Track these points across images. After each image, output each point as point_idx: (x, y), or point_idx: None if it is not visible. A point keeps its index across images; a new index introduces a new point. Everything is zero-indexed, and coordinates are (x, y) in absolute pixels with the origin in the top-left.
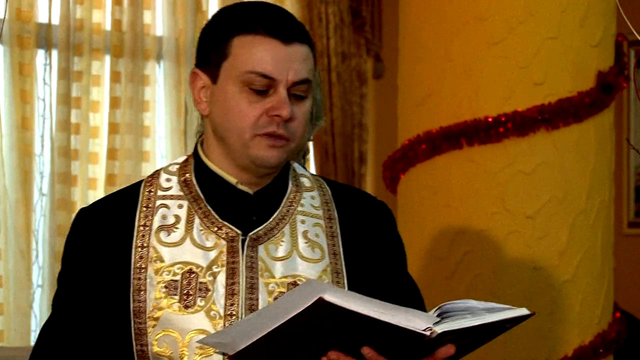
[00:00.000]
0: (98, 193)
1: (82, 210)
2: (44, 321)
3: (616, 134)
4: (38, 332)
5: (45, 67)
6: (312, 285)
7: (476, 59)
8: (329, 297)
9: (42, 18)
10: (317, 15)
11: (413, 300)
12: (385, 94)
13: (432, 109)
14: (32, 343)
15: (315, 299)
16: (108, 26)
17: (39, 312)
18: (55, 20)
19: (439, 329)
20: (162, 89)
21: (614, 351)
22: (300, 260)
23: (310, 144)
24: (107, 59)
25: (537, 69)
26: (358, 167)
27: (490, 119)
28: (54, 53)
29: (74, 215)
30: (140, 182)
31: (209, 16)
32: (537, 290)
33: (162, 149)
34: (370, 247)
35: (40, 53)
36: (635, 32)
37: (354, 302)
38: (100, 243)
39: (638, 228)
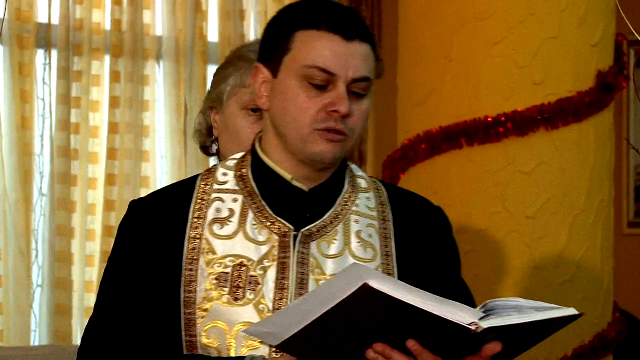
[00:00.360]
0: (98, 193)
1: (135, 202)
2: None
3: (616, 134)
4: (84, 327)
5: (45, 67)
6: (358, 270)
7: (476, 58)
8: (374, 284)
9: (42, 18)
10: None
11: (465, 302)
12: (385, 93)
13: (432, 108)
14: (32, 343)
15: (360, 285)
16: (108, 26)
17: (39, 312)
18: (55, 20)
19: (485, 324)
20: (161, 89)
21: (614, 351)
22: (352, 259)
23: None
24: (107, 58)
25: (537, 69)
26: (358, 166)
27: (490, 119)
28: (54, 53)
29: (74, 215)
30: (197, 176)
31: (209, 16)
32: (537, 290)
33: (162, 148)
34: (424, 250)
35: (40, 53)
36: (635, 32)
37: (400, 290)
38: (154, 234)
39: (638, 228)
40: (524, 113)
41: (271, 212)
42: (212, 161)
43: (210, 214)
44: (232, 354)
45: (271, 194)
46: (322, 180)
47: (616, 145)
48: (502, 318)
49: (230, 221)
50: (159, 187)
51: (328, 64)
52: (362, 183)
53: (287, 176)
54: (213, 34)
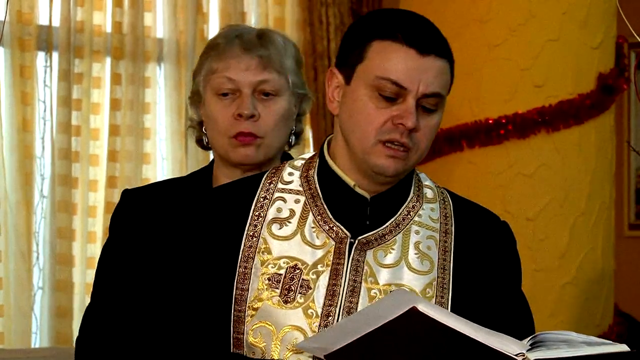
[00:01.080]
0: (99, 195)
1: (202, 196)
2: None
3: (617, 136)
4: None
5: (45, 69)
6: (405, 295)
7: (477, 61)
8: (422, 308)
9: (43, 20)
10: (317, 17)
11: (522, 319)
12: None
13: None
14: (32, 345)
15: (409, 307)
16: (109, 28)
17: (40, 314)
18: (56, 23)
19: (533, 356)
20: (162, 91)
21: None
22: (407, 270)
23: (309, 132)
24: (108, 61)
25: (538, 71)
26: None
27: (491, 121)
28: (55, 55)
29: (75, 218)
30: (263, 173)
31: (210, 18)
32: (538, 292)
33: (163, 151)
34: (483, 265)
35: (41, 55)
36: (635, 34)
37: (448, 317)
38: (216, 228)
39: (638, 230)
40: (525, 115)
41: (331, 216)
42: (210, 155)
43: (271, 213)
44: (275, 356)
45: (333, 198)
46: (385, 188)
47: (617, 147)
48: (551, 350)
49: (289, 222)
50: None
51: (400, 77)
52: (429, 193)
53: (350, 182)
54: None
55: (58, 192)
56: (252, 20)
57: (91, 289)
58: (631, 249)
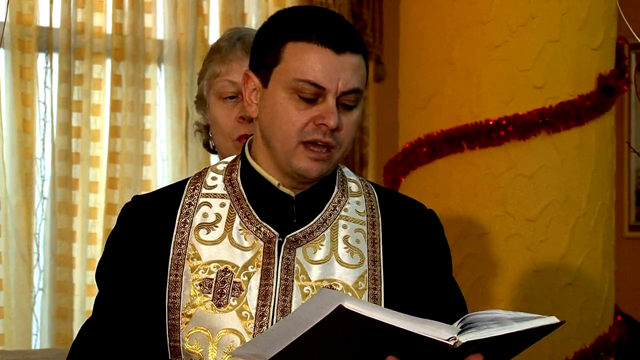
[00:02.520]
0: (99, 196)
1: (127, 205)
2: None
3: (617, 137)
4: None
5: (46, 70)
6: (330, 294)
7: (477, 62)
8: (349, 305)
9: (43, 21)
10: None
11: (455, 306)
12: (386, 97)
13: (433, 112)
14: (33, 346)
15: (335, 306)
16: (109, 29)
17: (40, 316)
18: (56, 24)
19: (464, 338)
20: (163, 93)
21: (615, 354)
22: (338, 265)
23: None
24: (108, 62)
25: (538, 72)
26: (359, 170)
27: (491, 122)
28: (55, 56)
29: (75, 219)
30: (186, 180)
31: (210, 19)
32: (539, 293)
33: (163, 152)
34: (413, 254)
35: (41, 56)
36: (636, 35)
37: (375, 311)
38: (142, 238)
39: (639, 231)
40: (525, 116)
41: (257, 217)
42: (215, 158)
43: (197, 219)
44: None
45: (258, 199)
46: (310, 186)
47: (617, 148)
48: (481, 331)
49: (216, 226)
50: None
51: (318, 78)
52: (353, 187)
53: (274, 181)
54: (214, 38)
55: (58, 193)
56: (253, 22)
57: (91, 290)
58: (631, 251)
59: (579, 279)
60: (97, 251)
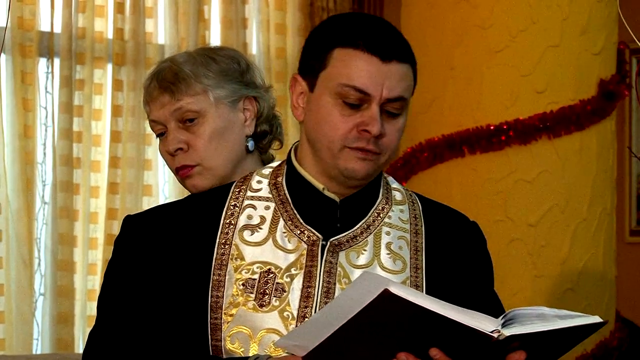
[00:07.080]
0: (100, 201)
1: (158, 207)
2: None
3: (618, 142)
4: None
5: (47, 75)
6: (376, 278)
7: (478, 67)
8: (395, 290)
9: (44, 26)
10: (319, 23)
11: (495, 315)
12: None
13: (434, 116)
14: (34, 351)
15: (381, 291)
16: (110, 34)
17: (41, 321)
18: (58, 29)
19: (508, 332)
20: None
21: (616, 359)
22: (380, 270)
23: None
24: (109, 67)
25: (539, 77)
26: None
27: (492, 127)
28: (56, 61)
29: (76, 224)
30: (232, 183)
31: (211, 24)
32: (539, 298)
33: None
34: (455, 264)
35: (42, 61)
36: (637, 40)
37: (420, 297)
38: (185, 238)
39: None
40: (526, 121)
41: (302, 221)
42: None
43: (242, 220)
44: None
45: (303, 202)
46: (354, 191)
47: (618, 153)
48: (524, 326)
49: (260, 228)
50: (161, 195)
51: (363, 84)
52: (397, 195)
53: (319, 186)
54: (215, 42)
55: (59, 198)
56: (253, 27)
57: (92, 295)
58: (632, 255)
59: (580, 283)
60: (98, 256)
